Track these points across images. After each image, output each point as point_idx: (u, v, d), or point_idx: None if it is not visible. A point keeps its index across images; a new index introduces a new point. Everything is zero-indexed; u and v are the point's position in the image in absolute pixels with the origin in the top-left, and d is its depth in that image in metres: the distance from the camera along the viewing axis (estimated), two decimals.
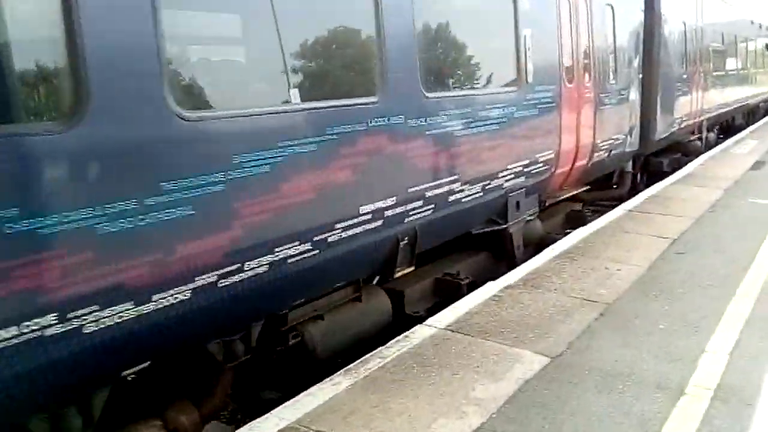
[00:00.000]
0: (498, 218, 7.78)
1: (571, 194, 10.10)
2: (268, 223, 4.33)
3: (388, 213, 5.52)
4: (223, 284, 4.10)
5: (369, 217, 5.28)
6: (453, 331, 5.57)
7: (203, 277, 3.93)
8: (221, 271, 4.07)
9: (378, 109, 5.29)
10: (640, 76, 11.70)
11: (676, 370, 4.86)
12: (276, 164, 4.33)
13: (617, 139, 10.73)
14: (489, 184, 7.07)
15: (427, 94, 5.89)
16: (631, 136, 11.41)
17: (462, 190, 6.57)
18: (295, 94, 4.63)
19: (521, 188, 7.90)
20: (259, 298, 4.48)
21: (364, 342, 5.91)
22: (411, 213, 5.86)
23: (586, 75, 9.44)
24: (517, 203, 7.95)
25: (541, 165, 8.20)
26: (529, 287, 6.71)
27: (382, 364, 4.98)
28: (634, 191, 12.40)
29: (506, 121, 7.24)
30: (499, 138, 7.13)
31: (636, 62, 11.49)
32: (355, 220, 5.15)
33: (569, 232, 9.41)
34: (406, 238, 5.96)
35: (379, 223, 5.44)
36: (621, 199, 12.08)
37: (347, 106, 4.99)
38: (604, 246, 8.31)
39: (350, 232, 5.13)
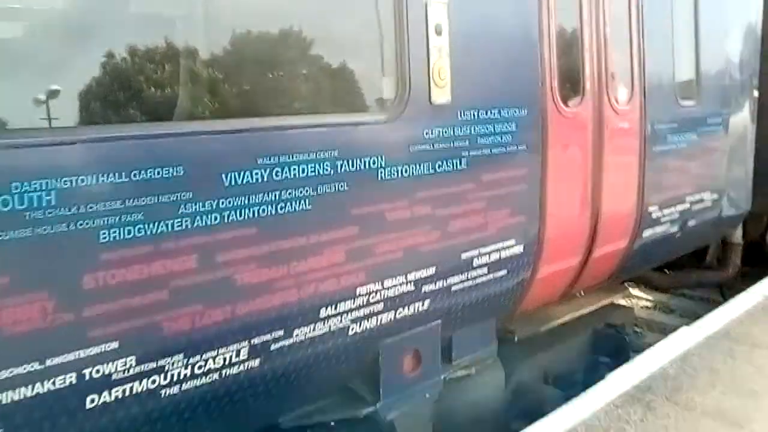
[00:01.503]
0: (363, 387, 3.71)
1: (605, 302, 5.68)
2: None
3: None
4: None
5: None
6: None
7: None
8: None
9: None
10: (756, 91, 6.92)
11: None
12: None
13: (700, 199, 6.10)
14: (277, 342, 3.06)
15: None
16: (733, 191, 6.70)
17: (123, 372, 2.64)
18: None
19: (414, 328, 3.76)
20: None
21: None
22: None
23: (621, 88, 5.03)
24: (415, 354, 3.81)
25: (483, 271, 4.00)
26: None
27: None
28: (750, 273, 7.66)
29: (342, 190, 3.18)
30: (304, 232, 3.10)
31: (745, 68, 6.74)
32: None
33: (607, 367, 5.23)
34: None
35: None
36: (722, 287, 7.52)
37: None
38: (710, 377, 4.58)
39: None
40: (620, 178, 5.05)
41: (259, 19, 3.05)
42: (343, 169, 3.17)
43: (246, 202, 2.85)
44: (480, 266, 3.96)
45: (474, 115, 3.77)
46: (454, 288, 3.85)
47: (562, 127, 4.44)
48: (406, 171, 3.45)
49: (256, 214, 2.88)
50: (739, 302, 6.12)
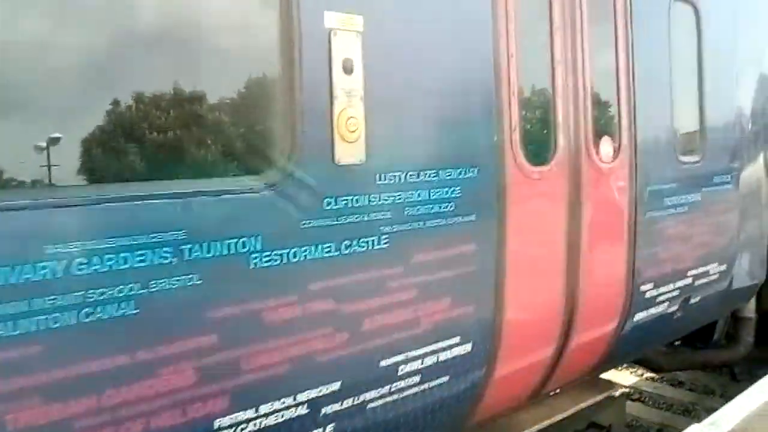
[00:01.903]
0: None
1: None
2: None
3: None
4: None
5: None
6: None
7: None
8: None
9: None
10: None
11: None
12: None
13: (705, 272, 5.14)
14: None
15: None
16: (745, 259, 5.74)
17: None
18: None
19: None
20: None
21: None
22: None
23: (605, 143, 4.13)
24: None
25: (414, 380, 3.07)
26: None
27: None
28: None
29: (190, 285, 2.29)
30: (126, 347, 2.20)
31: (759, 116, 5.83)
32: None
33: None
34: None
35: None
36: (733, 368, 6.53)
37: None
38: None
39: None
40: (604, 250, 4.12)
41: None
42: (192, 257, 2.28)
43: (22, 310, 1.95)
44: (408, 375, 3.03)
45: (398, 178, 2.87)
46: (371, 405, 2.91)
47: (526, 191, 3.55)
48: (294, 255, 2.55)
49: (39, 328, 1.98)
50: (759, 390, 5.09)
